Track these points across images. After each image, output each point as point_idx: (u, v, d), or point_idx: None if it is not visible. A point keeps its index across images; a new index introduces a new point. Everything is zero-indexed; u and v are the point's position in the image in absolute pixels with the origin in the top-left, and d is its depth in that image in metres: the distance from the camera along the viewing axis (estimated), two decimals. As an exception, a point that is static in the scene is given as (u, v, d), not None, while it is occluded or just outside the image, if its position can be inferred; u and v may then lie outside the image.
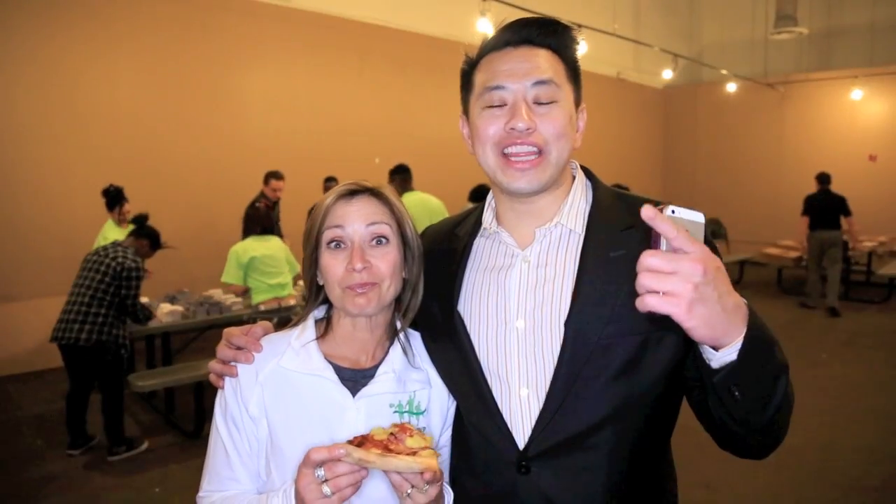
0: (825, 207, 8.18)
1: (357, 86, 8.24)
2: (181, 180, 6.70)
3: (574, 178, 1.20)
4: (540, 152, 1.08)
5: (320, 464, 0.96)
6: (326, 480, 0.96)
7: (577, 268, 1.10)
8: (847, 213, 8.16)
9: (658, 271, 0.79)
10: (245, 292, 5.20)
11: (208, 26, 6.97)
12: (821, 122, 11.69)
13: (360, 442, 0.99)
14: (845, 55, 11.48)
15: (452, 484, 1.21)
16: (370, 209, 1.15)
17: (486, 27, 6.98)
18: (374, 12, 8.26)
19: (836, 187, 10.74)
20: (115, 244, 4.22)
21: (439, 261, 1.24)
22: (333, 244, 1.14)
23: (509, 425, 1.10)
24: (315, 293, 1.21)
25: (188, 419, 4.62)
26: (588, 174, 1.22)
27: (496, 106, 1.10)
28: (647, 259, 0.80)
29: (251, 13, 7.27)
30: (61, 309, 4.13)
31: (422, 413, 1.18)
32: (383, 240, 1.15)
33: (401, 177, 6.06)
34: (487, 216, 1.22)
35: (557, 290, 1.10)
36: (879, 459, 4.10)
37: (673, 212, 0.85)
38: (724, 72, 11.26)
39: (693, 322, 0.81)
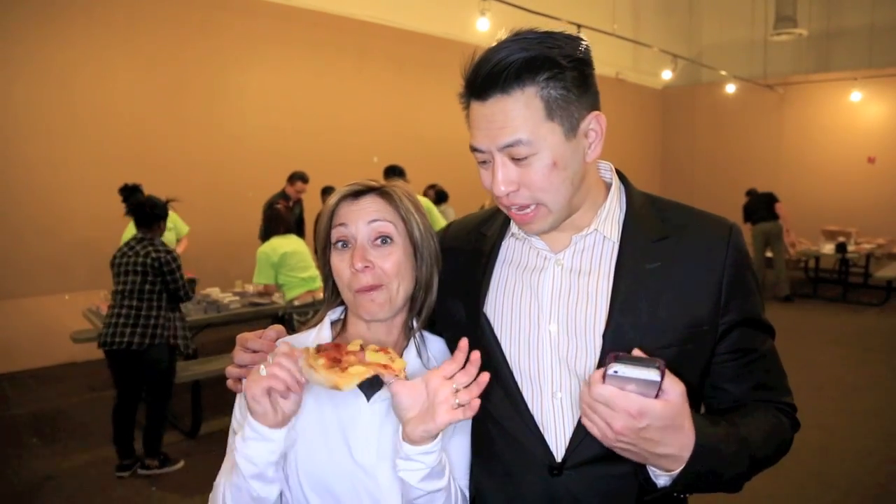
0: (757, 203, 9.17)
1: (356, 85, 8.23)
2: (178, 179, 6.67)
3: (609, 184, 1.17)
4: (535, 205, 1.05)
5: (277, 354, 1.00)
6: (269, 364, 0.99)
7: (612, 277, 1.09)
8: (776, 199, 9.03)
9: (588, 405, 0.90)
10: (275, 291, 5.21)
11: (206, 24, 6.95)
12: (820, 124, 11.70)
13: (326, 348, 1.00)
14: (844, 57, 11.48)
15: (473, 488, 1.20)
16: (373, 207, 1.15)
17: (485, 26, 6.97)
18: (373, 11, 8.24)
19: (834, 189, 10.84)
20: (138, 240, 3.92)
21: (465, 260, 1.23)
22: (340, 243, 1.15)
23: (541, 428, 1.10)
24: (333, 292, 1.22)
25: (185, 418, 4.61)
26: (622, 178, 1.19)
27: (482, 162, 1.06)
28: (588, 388, 0.90)
29: (249, 11, 7.25)
30: (106, 314, 3.93)
31: None
32: (388, 239, 1.14)
33: (391, 177, 6.08)
34: None
35: (592, 297, 1.09)
36: (878, 461, 4.09)
37: (616, 372, 0.86)
38: (723, 73, 11.26)
39: (618, 452, 0.93)
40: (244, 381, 1.16)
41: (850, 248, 9.19)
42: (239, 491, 1.04)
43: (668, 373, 0.88)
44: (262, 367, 0.97)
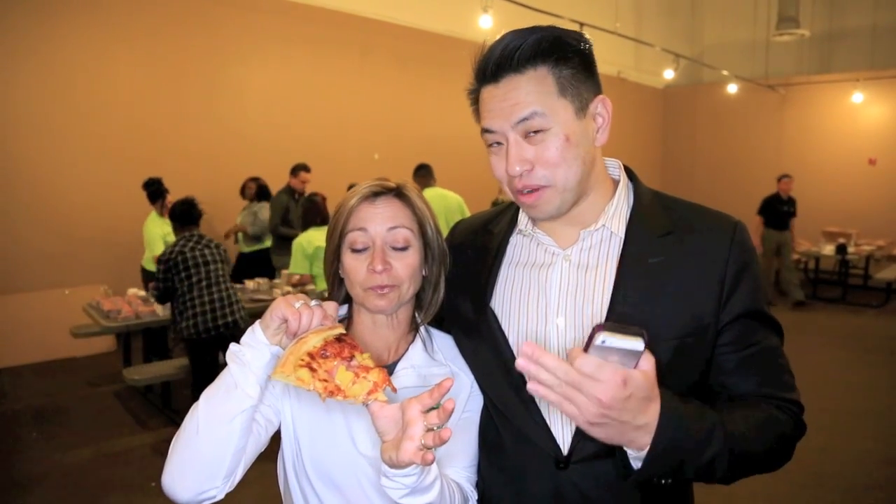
0: None
1: (358, 81, 8.22)
2: (179, 173, 6.66)
3: (617, 181, 1.18)
4: (543, 186, 1.07)
5: (325, 305, 1.05)
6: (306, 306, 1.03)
7: (616, 270, 1.11)
8: (760, 209, 8.82)
9: (569, 382, 0.83)
10: (310, 281, 5.28)
11: (208, 19, 6.94)
12: (821, 125, 11.69)
13: (342, 339, 0.99)
14: (846, 58, 11.47)
15: (481, 483, 1.21)
16: (393, 212, 1.17)
17: (487, 24, 6.97)
18: (375, 8, 8.23)
19: (835, 190, 10.68)
20: (198, 237, 4.29)
21: (472, 257, 1.25)
22: (357, 247, 1.16)
23: (548, 422, 1.11)
24: (337, 288, 1.24)
25: (185, 414, 4.61)
26: (630, 175, 1.21)
27: (494, 144, 1.10)
28: (567, 365, 0.83)
29: (251, 6, 7.24)
30: (188, 307, 4.13)
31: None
32: (405, 245, 1.17)
33: (421, 174, 6.15)
34: (523, 217, 1.21)
35: (599, 291, 1.11)
36: (877, 462, 4.10)
37: (604, 342, 0.82)
38: (724, 73, 11.24)
39: (591, 433, 0.88)
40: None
41: (851, 249, 9.18)
42: (213, 389, 1.05)
43: None
44: (300, 301, 1.02)
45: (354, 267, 1.16)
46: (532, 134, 1.04)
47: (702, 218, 1.14)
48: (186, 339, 4.15)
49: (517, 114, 1.03)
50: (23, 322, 5.88)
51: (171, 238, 5.42)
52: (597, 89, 1.09)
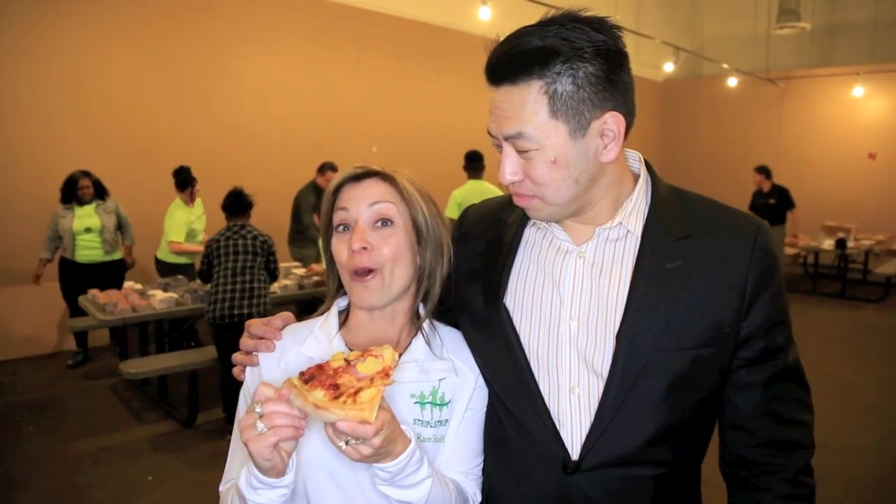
0: None
1: (355, 73, 8.16)
2: (176, 165, 6.63)
3: (638, 174, 1.13)
4: (532, 195, 1.05)
5: (265, 401, 0.90)
6: (263, 416, 0.90)
7: (631, 274, 1.06)
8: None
9: None
10: None
11: (206, 11, 6.88)
12: (821, 119, 11.65)
13: (312, 374, 0.92)
14: (847, 51, 11.43)
15: (487, 483, 1.18)
16: (375, 189, 1.12)
17: (486, 16, 6.92)
18: (373, -1, 8.18)
19: (834, 185, 10.61)
20: (239, 226, 4.41)
21: (484, 248, 1.21)
22: (341, 227, 1.13)
23: (557, 424, 1.07)
24: (337, 278, 1.20)
25: (182, 408, 4.60)
26: (649, 170, 1.15)
27: (497, 146, 1.07)
28: None
29: (249, -2, 7.19)
30: (224, 290, 4.24)
31: (445, 405, 1.14)
32: (388, 222, 1.11)
33: (470, 164, 6.08)
34: None
35: (613, 294, 1.06)
36: (876, 458, 4.09)
37: None
38: (724, 66, 11.20)
39: None
40: (246, 382, 1.16)
41: (850, 244, 9.17)
42: None
43: None
44: (258, 423, 0.90)
45: (338, 249, 1.12)
46: (522, 153, 1.01)
47: (723, 219, 1.09)
48: (210, 322, 4.28)
49: (504, 129, 1.00)
50: (18, 315, 5.86)
51: (196, 227, 5.65)
52: (613, 103, 0.99)
